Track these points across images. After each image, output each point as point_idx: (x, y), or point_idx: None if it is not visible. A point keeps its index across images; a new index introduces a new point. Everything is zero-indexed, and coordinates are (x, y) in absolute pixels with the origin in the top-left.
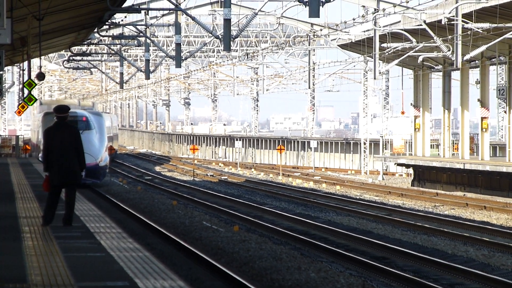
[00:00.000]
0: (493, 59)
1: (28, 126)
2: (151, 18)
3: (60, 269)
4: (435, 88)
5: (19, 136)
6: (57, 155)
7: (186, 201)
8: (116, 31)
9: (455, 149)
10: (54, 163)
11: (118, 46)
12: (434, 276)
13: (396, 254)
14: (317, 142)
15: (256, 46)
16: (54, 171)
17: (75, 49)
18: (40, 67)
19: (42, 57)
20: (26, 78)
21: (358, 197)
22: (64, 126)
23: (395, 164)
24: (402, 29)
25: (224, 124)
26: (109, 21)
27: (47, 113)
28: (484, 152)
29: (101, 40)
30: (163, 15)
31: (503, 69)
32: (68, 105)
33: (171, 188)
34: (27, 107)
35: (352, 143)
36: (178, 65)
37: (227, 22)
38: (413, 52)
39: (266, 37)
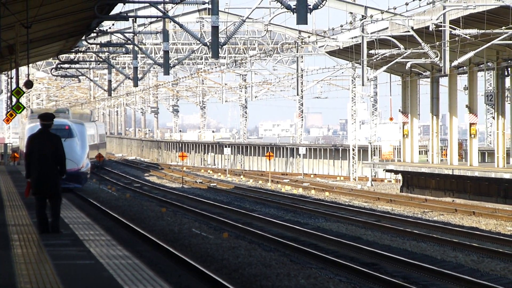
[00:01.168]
0: (481, 65)
1: (16, 134)
2: (138, 25)
3: (49, 277)
4: (423, 94)
5: (8, 144)
6: (35, 164)
7: (175, 208)
8: (104, 39)
9: (444, 155)
10: (33, 172)
11: (106, 53)
12: (424, 282)
13: (385, 260)
14: (306, 148)
15: (244, 53)
16: (33, 179)
17: (63, 57)
18: (28, 75)
19: (30, 65)
20: (14, 86)
21: (347, 204)
22: (46, 134)
23: (383, 170)
24: (389, 36)
25: (213, 131)
26: (97, 28)
27: (32, 121)
28: (473, 158)
29: (89, 47)
30: (151, 23)
31: (491, 75)
32: (58, 110)
33: (160, 195)
34: (15, 115)
35: (340, 149)
36: (166, 73)
37: (215, 29)
38: (401, 59)
39: (254, 44)
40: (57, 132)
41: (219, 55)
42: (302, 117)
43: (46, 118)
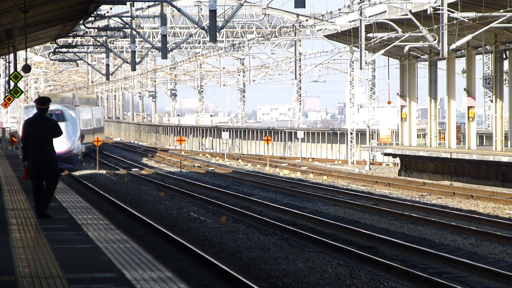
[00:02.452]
0: (479, 48)
1: (14, 119)
2: (136, 9)
3: (48, 261)
4: (421, 78)
5: (6, 129)
6: (32, 148)
7: (173, 192)
8: (101, 23)
9: (442, 138)
10: (29, 156)
11: (104, 37)
12: (422, 265)
13: (383, 243)
14: (304, 132)
15: (242, 37)
16: (29, 163)
17: (61, 41)
18: (26, 59)
19: (28, 49)
20: (12, 70)
21: (345, 187)
22: (42, 119)
23: (382, 154)
24: (388, 19)
25: (211, 115)
26: (95, 13)
27: (26, 106)
28: (471, 141)
29: (86, 32)
30: (148, 7)
31: (489, 58)
32: (64, 98)
33: (158, 179)
34: (13, 99)
35: (339, 133)
36: (164, 56)
37: (213, 13)
38: (399, 42)
39: (252, 28)
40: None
41: (217, 39)
42: (300, 101)
43: (42, 102)
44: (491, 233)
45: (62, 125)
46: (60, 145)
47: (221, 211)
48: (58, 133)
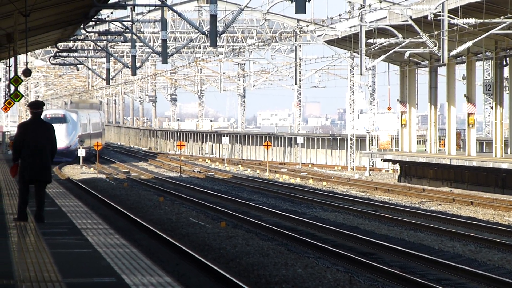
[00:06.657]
0: (479, 55)
1: (14, 123)
2: (137, 14)
3: (47, 265)
4: (422, 84)
5: (5, 133)
6: (30, 152)
7: (173, 197)
8: (102, 27)
9: (442, 144)
10: (26, 159)
11: (105, 42)
12: (421, 272)
13: (382, 249)
14: (304, 138)
15: (243, 42)
16: (25, 167)
17: (61, 45)
18: (27, 63)
19: (29, 53)
20: (12, 74)
21: (344, 193)
22: (39, 122)
23: (381, 160)
24: (388, 25)
25: (211, 120)
26: (95, 17)
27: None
28: (471, 148)
29: (87, 36)
30: (149, 11)
31: (489, 64)
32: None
33: (158, 184)
34: (14, 103)
35: (338, 139)
36: (165, 61)
37: (213, 18)
38: (400, 48)
39: (253, 33)
40: (54, 119)
41: (217, 44)
42: (300, 106)
43: (36, 106)
44: (491, 240)
45: (63, 126)
46: (61, 142)
47: (221, 216)
48: (54, 140)
